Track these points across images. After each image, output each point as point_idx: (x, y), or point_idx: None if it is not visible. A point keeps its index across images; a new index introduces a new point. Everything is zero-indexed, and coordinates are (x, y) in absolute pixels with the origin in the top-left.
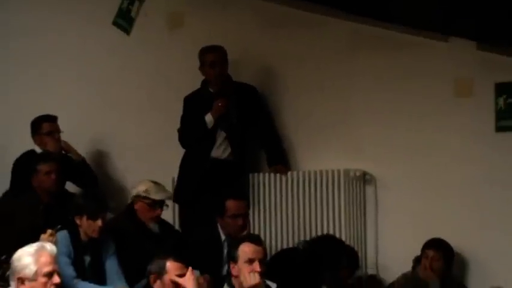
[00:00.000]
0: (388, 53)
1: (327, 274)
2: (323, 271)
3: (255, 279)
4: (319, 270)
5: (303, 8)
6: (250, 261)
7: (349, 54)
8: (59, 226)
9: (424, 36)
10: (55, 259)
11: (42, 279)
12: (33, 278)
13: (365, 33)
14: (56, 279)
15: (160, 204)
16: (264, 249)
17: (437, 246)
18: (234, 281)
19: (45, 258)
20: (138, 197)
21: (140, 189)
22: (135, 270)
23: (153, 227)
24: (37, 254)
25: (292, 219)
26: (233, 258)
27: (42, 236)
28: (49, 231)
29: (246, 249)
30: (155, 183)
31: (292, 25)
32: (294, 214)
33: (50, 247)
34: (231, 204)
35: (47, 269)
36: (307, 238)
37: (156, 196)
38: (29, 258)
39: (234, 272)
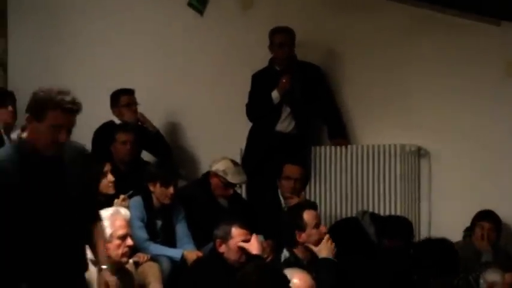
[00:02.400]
0: (443, 35)
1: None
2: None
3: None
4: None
5: None
6: (317, 225)
7: (406, 35)
8: (131, 192)
9: (477, 20)
10: (128, 223)
11: (117, 241)
12: (109, 240)
13: (422, 16)
14: (129, 241)
15: (234, 185)
16: None
17: (493, 218)
18: (299, 248)
19: (119, 222)
20: (214, 174)
21: (219, 167)
22: (203, 234)
23: (223, 202)
24: (112, 217)
25: (350, 190)
26: (300, 226)
27: (116, 201)
28: (122, 196)
29: (310, 216)
30: (235, 164)
31: (353, 8)
32: (353, 185)
33: (124, 212)
34: (286, 167)
35: (121, 232)
36: (365, 209)
37: (232, 179)
38: (105, 221)
39: (301, 239)
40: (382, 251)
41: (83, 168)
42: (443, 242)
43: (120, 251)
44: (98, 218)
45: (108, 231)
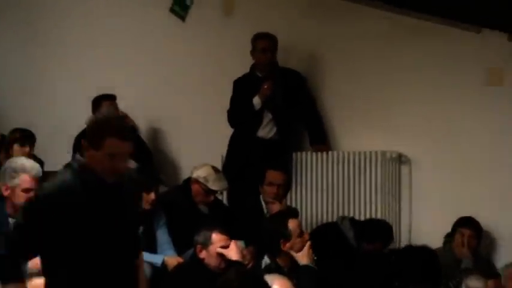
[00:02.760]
0: (424, 43)
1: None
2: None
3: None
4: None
5: None
6: (301, 234)
7: (388, 43)
8: None
9: (458, 27)
10: None
11: None
12: None
13: (403, 24)
14: None
15: (215, 192)
16: None
17: (473, 225)
18: (282, 257)
19: None
20: (196, 180)
21: (200, 174)
22: (184, 240)
23: (204, 209)
24: None
25: (331, 196)
26: (285, 235)
27: None
28: None
29: (294, 225)
30: (216, 171)
31: (335, 15)
32: (334, 191)
33: None
34: (269, 173)
35: None
36: (345, 214)
37: (213, 186)
38: None
39: (286, 248)
40: (362, 255)
41: (135, 194)
42: (425, 250)
43: None
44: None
45: None
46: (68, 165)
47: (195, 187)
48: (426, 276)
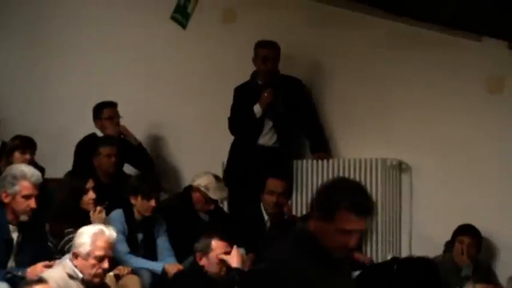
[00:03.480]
0: (424, 51)
1: None
2: None
3: None
4: None
5: (347, 7)
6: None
7: (388, 51)
8: (106, 203)
9: (459, 35)
10: (111, 246)
11: (92, 261)
12: (85, 257)
13: (403, 32)
14: (105, 264)
15: (216, 201)
16: None
17: (472, 233)
18: None
19: (100, 243)
20: (197, 187)
21: (201, 182)
22: (184, 248)
23: (204, 216)
24: (95, 236)
25: None
26: None
27: (91, 213)
28: (98, 208)
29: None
30: (217, 179)
31: (336, 23)
32: None
33: (109, 233)
34: (269, 181)
35: (100, 253)
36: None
37: (213, 195)
38: (87, 238)
39: None
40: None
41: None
42: (426, 261)
43: (93, 271)
44: None
45: (86, 248)
46: (292, 235)
47: (195, 195)
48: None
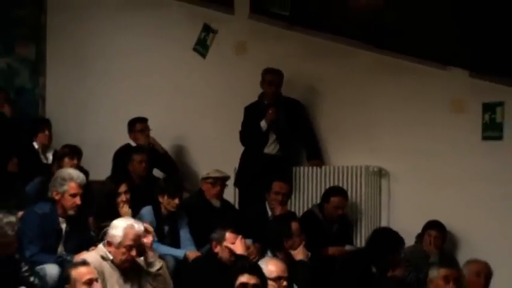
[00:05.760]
0: (401, 77)
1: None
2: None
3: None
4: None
5: (337, 41)
6: (300, 234)
7: (371, 77)
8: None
9: (428, 65)
10: (139, 237)
11: (123, 249)
12: (117, 246)
13: (383, 62)
14: (133, 252)
15: (219, 181)
16: None
17: (439, 227)
18: (280, 252)
19: (131, 235)
20: (203, 179)
21: (205, 174)
22: (202, 238)
23: (215, 202)
24: (126, 229)
25: None
26: (288, 235)
27: (120, 209)
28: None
29: (296, 227)
30: (216, 170)
31: (328, 54)
32: None
33: (137, 226)
34: (275, 184)
35: (129, 242)
36: None
37: (214, 174)
38: (120, 229)
39: (288, 245)
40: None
41: None
42: (380, 229)
43: (123, 257)
44: None
45: (118, 239)
46: None
47: (204, 186)
48: (387, 245)
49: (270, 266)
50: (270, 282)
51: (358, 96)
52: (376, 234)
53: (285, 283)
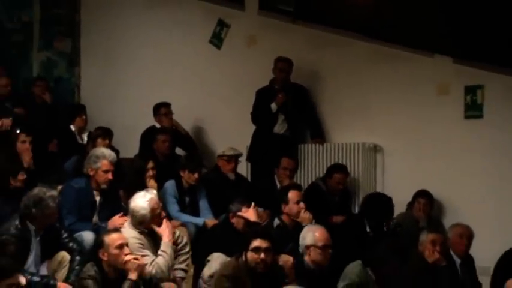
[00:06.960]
0: (393, 63)
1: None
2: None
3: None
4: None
5: (337, 33)
6: (298, 202)
7: (367, 64)
8: None
9: (417, 53)
10: (159, 205)
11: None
12: (148, 216)
13: (378, 50)
14: (163, 213)
15: (233, 158)
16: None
17: (427, 196)
18: (283, 216)
19: (155, 204)
20: (219, 156)
21: (220, 152)
22: (219, 207)
23: (231, 176)
24: (151, 202)
25: None
26: (285, 201)
27: (148, 183)
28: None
29: (293, 195)
30: (230, 148)
31: (329, 44)
32: None
33: (154, 195)
34: (283, 160)
35: (158, 210)
36: None
37: (229, 152)
38: (146, 203)
39: (285, 210)
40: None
41: None
42: (371, 194)
43: (154, 222)
44: None
45: (145, 212)
46: None
47: (220, 162)
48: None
49: (317, 234)
50: (315, 249)
51: (356, 82)
52: (368, 199)
53: (330, 251)
